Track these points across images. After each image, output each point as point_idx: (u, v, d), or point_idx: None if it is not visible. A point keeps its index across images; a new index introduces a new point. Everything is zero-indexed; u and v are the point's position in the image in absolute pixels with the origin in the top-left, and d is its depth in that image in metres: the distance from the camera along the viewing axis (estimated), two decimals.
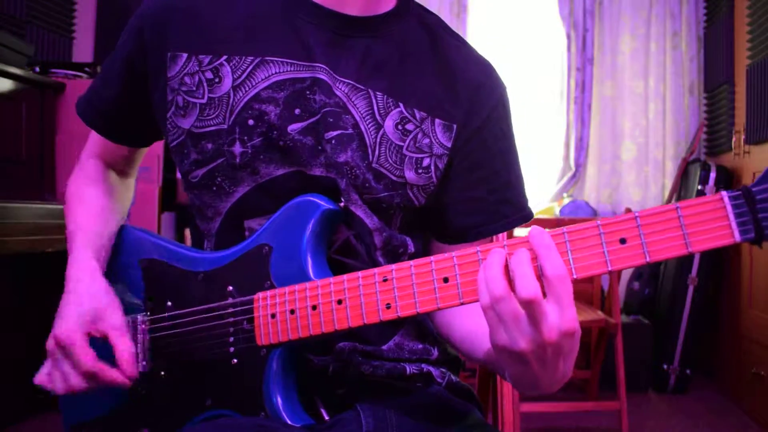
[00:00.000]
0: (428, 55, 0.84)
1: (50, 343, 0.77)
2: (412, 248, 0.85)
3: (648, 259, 0.56)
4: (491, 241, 0.87)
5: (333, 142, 0.77)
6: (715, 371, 3.17)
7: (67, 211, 0.91)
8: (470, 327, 0.80)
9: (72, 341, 0.74)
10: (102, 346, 0.77)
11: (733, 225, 0.54)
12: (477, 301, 0.61)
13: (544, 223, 2.59)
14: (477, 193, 0.84)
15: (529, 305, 0.55)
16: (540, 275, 0.56)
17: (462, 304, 0.63)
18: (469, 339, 0.79)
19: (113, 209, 0.92)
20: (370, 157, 0.79)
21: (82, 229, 0.86)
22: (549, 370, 0.59)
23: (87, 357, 0.74)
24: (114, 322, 0.77)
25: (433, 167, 0.82)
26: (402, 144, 0.80)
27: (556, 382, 0.61)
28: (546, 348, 0.56)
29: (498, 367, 0.71)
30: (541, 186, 3.57)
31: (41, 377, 0.78)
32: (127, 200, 0.99)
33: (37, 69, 2.60)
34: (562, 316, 0.56)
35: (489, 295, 0.57)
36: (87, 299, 0.78)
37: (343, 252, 0.80)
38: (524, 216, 0.87)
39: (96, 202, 0.90)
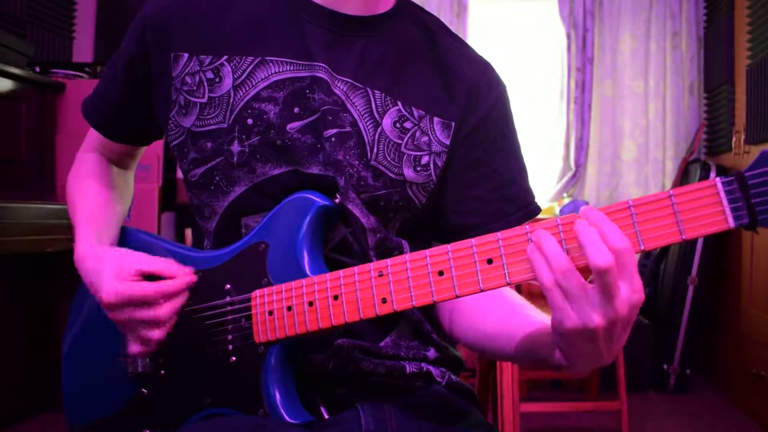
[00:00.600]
0: (426, 54, 0.85)
1: (111, 315, 0.76)
2: (407, 251, 0.85)
3: (642, 247, 0.56)
4: None
5: (333, 140, 0.78)
6: (715, 371, 3.17)
7: (70, 204, 0.92)
8: (497, 324, 0.77)
9: (123, 290, 0.74)
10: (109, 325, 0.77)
11: (727, 211, 0.54)
12: (472, 293, 0.61)
13: (544, 223, 2.59)
14: (477, 191, 0.84)
15: (604, 275, 0.53)
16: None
17: (457, 296, 0.63)
18: (501, 335, 0.75)
19: (115, 200, 0.94)
20: (369, 154, 0.79)
21: (83, 218, 0.87)
22: (614, 344, 0.57)
23: (145, 287, 0.73)
24: (136, 258, 0.77)
25: (432, 165, 0.82)
26: (400, 142, 0.80)
27: (613, 355, 0.60)
28: (617, 323, 0.55)
29: (545, 355, 0.65)
30: (541, 186, 3.57)
31: (133, 348, 0.76)
32: (128, 192, 1.01)
33: (37, 69, 2.60)
34: (632, 288, 0.54)
35: (553, 270, 0.55)
36: (103, 263, 0.78)
37: (340, 250, 0.80)
38: (528, 212, 0.86)
39: (98, 194, 0.92)
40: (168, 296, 0.74)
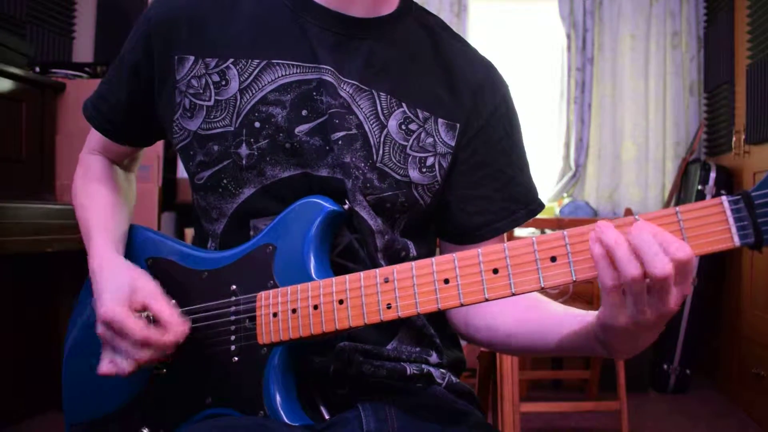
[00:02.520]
0: (430, 55, 0.85)
1: (100, 330, 0.76)
2: (413, 252, 0.85)
3: None
4: (501, 239, 0.87)
5: (340, 142, 0.78)
6: (715, 371, 3.17)
7: (78, 208, 0.92)
8: (519, 318, 0.79)
9: (119, 316, 0.73)
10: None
11: (733, 229, 0.55)
12: (477, 302, 0.62)
13: (544, 223, 2.59)
14: (482, 191, 0.85)
15: (664, 281, 0.55)
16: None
17: (462, 305, 0.63)
18: (526, 330, 0.78)
19: (122, 203, 0.94)
20: (374, 156, 0.79)
21: (97, 225, 0.87)
22: (656, 331, 0.61)
23: (136, 325, 0.73)
24: (149, 290, 0.76)
25: (437, 166, 0.82)
26: (405, 144, 0.81)
27: (653, 339, 0.64)
28: (666, 316, 0.58)
29: (586, 348, 0.69)
30: (541, 186, 3.56)
31: (104, 367, 0.76)
32: (132, 193, 1.01)
33: (37, 69, 2.60)
34: (683, 288, 0.57)
35: (621, 275, 0.57)
36: (118, 278, 0.78)
37: (346, 255, 0.81)
38: (531, 210, 0.87)
39: (105, 198, 0.92)
40: (151, 347, 0.74)
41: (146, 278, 0.78)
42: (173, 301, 0.79)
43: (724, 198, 0.56)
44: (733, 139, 2.97)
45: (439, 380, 0.84)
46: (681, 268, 0.55)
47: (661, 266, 0.55)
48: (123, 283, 0.77)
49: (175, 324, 0.74)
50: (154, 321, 0.74)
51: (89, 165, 0.96)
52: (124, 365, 0.74)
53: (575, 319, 0.70)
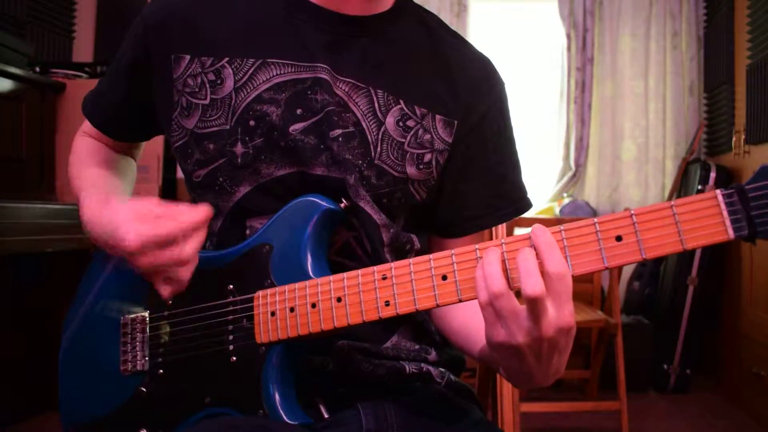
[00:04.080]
0: (427, 52, 0.85)
1: (138, 261, 0.69)
2: (418, 245, 0.86)
3: (644, 256, 0.58)
4: (490, 236, 0.88)
5: (340, 140, 0.78)
6: (715, 371, 3.17)
7: (72, 178, 0.90)
8: (463, 320, 0.81)
9: (150, 232, 0.68)
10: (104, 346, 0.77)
11: (727, 222, 0.56)
12: (475, 298, 0.62)
13: (544, 223, 2.59)
14: (471, 186, 0.85)
15: (534, 302, 0.55)
16: (541, 272, 0.57)
17: (461, 301, 0.63)
18: (463, 332, 0.81)
19: (118, 173, 0.94)
20: (372, 153, 0.80)
21: (91, 186, 0.85)
22: (544, 364, 0.60)
23: (165, 225, 0.68)
24: (150, 202, 0.71)
25: (434, 162, 0.83)
26: (403, 140, 0.81)
27: (550, 375, 0.63)
28: (542, 342, 0.58)
29: (492, 362, 0.72)
30: (541, 186, 3.57)
31: (163, 291, 0.71)
32: (131, 171, 1.00)
33: (37, 69, 2.60)
34: (560, 313, 0.57)
35: (488, 292, 0.58)
36: (120, 214, 0.71)
37: (343, 253, 0.81)
38: (518, 209, 0.88)
39: (99, 167, 0.92)
40: (189, 233, 0.70)
41: (140, 200, 0.72)
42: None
43: (718, 192, 0.56)
44: (733, 139, 2.97)
45: (438, 379, 0.84)
46: (553, 284, 0.56)
47: (532, 285, 0.55)
48: (126, 213, 0.71)
49: (195, 212, 0.70)
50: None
51: (82, 144, 0.96)
52: (183, 272, 0.70)
53: None
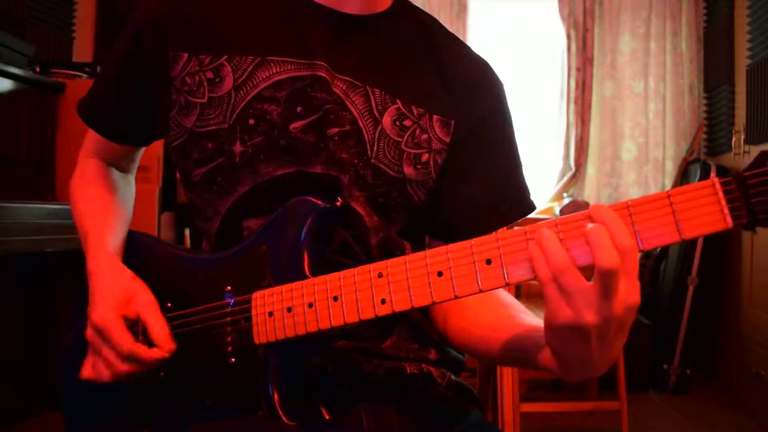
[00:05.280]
0: (424, 53, 0.85)
1: (89, 333, 0.77)
2: (409, 253, 0.85)
3: (641, 247, 0.56)
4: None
5: (336, 138, 0.78)
6: (715, 371, 3.17)
7: (75, 211, 0.92)
8: (489, 328, 0.76)
9: (109, 324, 0.75)
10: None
11: (725, 210, 0.54)
12: (471, 293, 0.61)
13: (545, 223, 2.59)
14: (473, 189, 0.84)
15: (608, 277, 0.52)
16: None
17: (456, 297, 0.62)
18: (489, 338, 0.75)
19: (119, 205, 0.93)
20: (369, 152, 0.79)
21: (95, 227, 0.87)
22: (606, 347, 0.57)
23: (124, 338, 0.74)
24: (145, 301, 0.77)
25: (432, 162, 0.82)
26: (400, 140, 0.81)
27: (609, 361, 0.59)
28: (611, 322, 0.55)
29: (530, 356, 0.66)
30: (541, 186, 3.57)
31: (86, 371, 0.78)
32: (131, 195, 1.00)
33: (37, 69, 2.60)
34: (630, 289, 0.54)
35: (550, 268, 0.55)
36: (114, 285, 0.78)
37: (341, 252, 0.80)
38: (522, 210, 0.86)
39: (101, 201, 0.92)
40: (136, 360, 0.75)
41: (143, 288, 0.79)
42: (168, 315, 0.79)
43: (716, 180, 0.54)
44: (733, 139, 2.97)
45: (438, 380, 0.84)
46: (626, 261, 0.53)
47: (607, 257, 0.52)
48: (120, 290, 0.77)
49: (164, 342, 0.75)
50: (144, 333, 0.76)
51: (85, 169, 0.96)
52: (105, 373, 0.76)
53: (537, 328, 0.68)
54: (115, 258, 0.83)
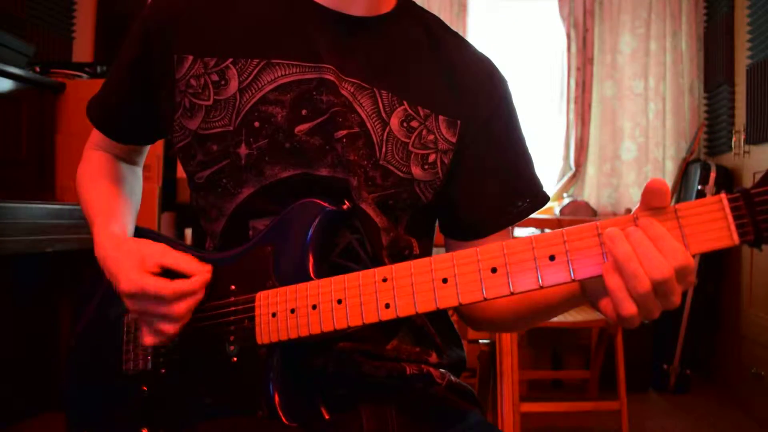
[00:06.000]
0: (429, 53, 0.85)
1: (129, 304, 0.77)
2: (417, 250, 0.85)
3: None
4: (508, 233, 0.87)
5: (344, 140, 0.78)
6: (715, 371, 3.17)
7: (83, 201, 0.92)
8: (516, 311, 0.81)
9: (140, 283, 0.74)
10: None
11: (732, 227, 0.54)
12: (475, 301, 0.61)
13: (544, 223, 2.59)
14: (487, 187, 0.85)
15: (663, 284, 0.56)
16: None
17: (460, 304, 0.63)
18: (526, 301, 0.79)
19: (127, 193, 0.94)
20: (377, 154, 0.80)
21: (98, 213, 0.87)
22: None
23: (161, 284, 0.74)
24: (158, 250, 0.77)
25: (439, 163, 0.83)
26: (407, 141, 0.81)
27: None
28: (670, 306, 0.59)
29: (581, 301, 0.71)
30: None
31: (148, 338, 0.77)
32: (138, 186, 1.01)
33: (37, 69, 2.60)
34: (685, 285, 0.58)
35: (621, 276, 0.57)
36: (125, 254, 0.78)
37: (346, 256, 0.80)
38: (536, 203, 0.87)
39: (110, 189, 0.92)
40: (184, 295, 0.74)
41: (150, 243, 0.79)
42: (185, 249, 0.80)
43: (723, 196, 0.55)
44: (733, 139, 2.97)
45: (438, 381, 0.84)
46: (682, 271, 0.56)
47: (659, 268, 0.55)
48: (131, 256, 0.77)
49: (196, 267, 0.76)
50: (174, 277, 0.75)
51: (91, 160, 0.96)
52: (167, 328, 0.75)
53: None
54: (117, 236, 0.83)
